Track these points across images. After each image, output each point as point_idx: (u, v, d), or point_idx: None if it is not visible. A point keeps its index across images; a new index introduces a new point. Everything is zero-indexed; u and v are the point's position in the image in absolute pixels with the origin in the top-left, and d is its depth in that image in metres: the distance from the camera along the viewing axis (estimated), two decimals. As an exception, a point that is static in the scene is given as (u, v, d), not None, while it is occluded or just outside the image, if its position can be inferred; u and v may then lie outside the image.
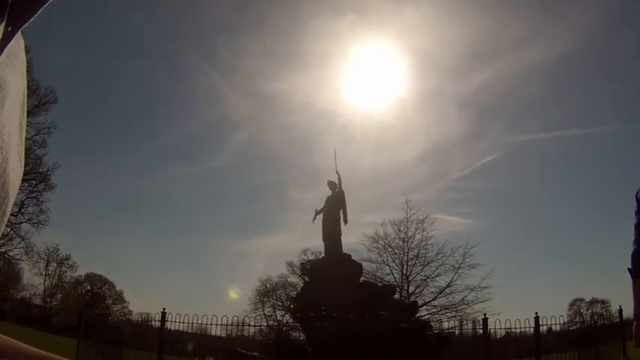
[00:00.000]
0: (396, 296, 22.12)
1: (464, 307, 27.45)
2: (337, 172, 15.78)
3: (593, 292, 47.18)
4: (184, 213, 63.41)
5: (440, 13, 62.33)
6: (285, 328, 25.91)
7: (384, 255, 28.94)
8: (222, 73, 65.94)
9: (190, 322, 14.65)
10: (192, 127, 62.84)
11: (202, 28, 66.40)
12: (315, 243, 28.40)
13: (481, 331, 14.22)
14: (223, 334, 15.84)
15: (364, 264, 21.49)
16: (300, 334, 17.41)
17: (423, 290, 28.76)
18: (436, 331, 16.26)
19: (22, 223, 33.42)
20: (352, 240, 31.68)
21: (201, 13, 61.95)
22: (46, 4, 0.45)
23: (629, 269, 2.75)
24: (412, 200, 33.16)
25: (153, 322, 15.66)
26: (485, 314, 14.47)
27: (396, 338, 12.14)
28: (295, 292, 20.95)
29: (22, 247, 34.90)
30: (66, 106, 53.54)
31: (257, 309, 36.56)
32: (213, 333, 15.29)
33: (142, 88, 67.08)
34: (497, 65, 55.85)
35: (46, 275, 48.15)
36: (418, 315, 22.31)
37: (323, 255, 16.12)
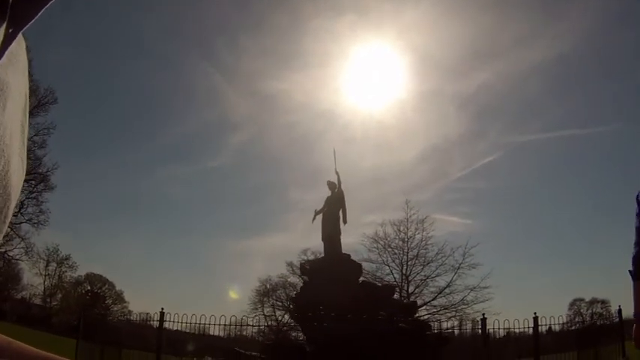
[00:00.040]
0: (396, 296, 22.15)
1: (463, 307, 27.51)
2: (336, 173, 15.79)
3: (593, 292, 47.22)
4: (184, 213, 63.41)
5: (440, 12, 62.29)
6: (284, 328, 25.93)
7: (384, 255, 29.01)
8: (222, 73, 65.91)
9: (189, 322, 14.66)
10: (192, 127, 62.84)
11: (202, 28, 66.40)
12: (315, 243, 28.35)
13: (480, 331, 14.23)
14: (223, 335, 15.84)
15: (364, 264, 21.53)
16: (300, 334, 17.41)
17: (422, 290, 28.83)
18: (435, 331, 16.27)
19: (21, 223, 33.47)
20: (352, 240, 31.70)
21: (201, 13, 61.94)
22: (47, 6, 0.45)
23: (630, 272, 2.77)
24: (412, 200, 33.14)
25: (152, 322, 15.68)
26: (483, 314, 14.47)
27: (395, 338, 12.15)
28: (295, 293, 20.96)
29: (22, 248, 34.94)
30: (66, 106, 53.52)
31: (257, 309, 36.58)
32: (213, 333, 15.30)
33: (142, 88, 67.05)
34: (497, 65, 55.88)
35: (46, 275, 48.16)
36: (418, 315, 22.32)
37: (323, 255, 16.13)
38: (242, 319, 20.24)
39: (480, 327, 14.41)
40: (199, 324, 14.88)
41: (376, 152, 58.34)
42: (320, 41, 56.37)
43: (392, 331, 12.47)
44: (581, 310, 47.32)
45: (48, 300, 49.19)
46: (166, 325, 14.55)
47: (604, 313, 35.79)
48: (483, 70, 58.42)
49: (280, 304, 36.32)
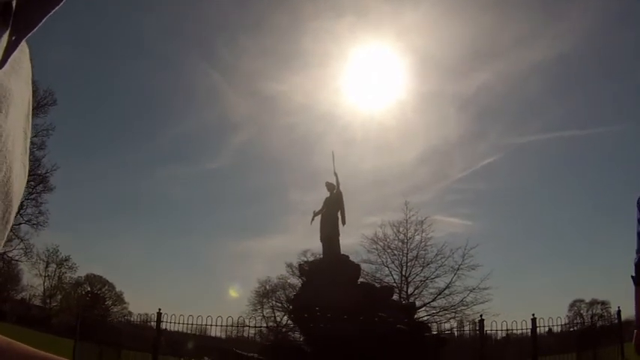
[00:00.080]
0: (395, 297, 22.14)
1: (463, 308, 27.45)
2: (335, 174, 15.78)
3: (593, 292, 47.27)
4: (184, 213, 63.46)
5: (440, 13, 62.46)
6: (284, 329, 25.91)
7: (384, 256, 28.96)
8: (222, 73, 66.08)
9: (187, 322, 14.65)
10: (192, 127, 62.95)
11: (202, 28, 66.62)
12: (314, 244, 28.25)
13: (478, 332, 14.22)
14: (223, 335, 15.84)
15: (364, 265, 21.54)
16: (299, 335, 17.40)
17: (422, 291, 28.78)
18: (435, 333, 16.26)
19: (21, 224, 33.46)
20: (352, 241, 31.64)
21: (201, 13, 62.12)
22: (51, 13, 0.45)
23: (632, 277, 2.77)
24: (412, 202, 33.23)
25: (150, 323, 15.66)
26: (481, 315, 14.48)
27: (394, 339, 12.13)
28: (294, 294, 20.94)
29: (22, 249, 34.98)
30: (66, 106, 53.61)
31: (256, 310, 36.56)
32: (212, 334, 15.29)
33: (142, 88, 67.17)
34: (497, 65, 55.97)
35: (45, 276, 48.12)
36: (417, 316, 22.30)
37: (321, 256, 16.12)
38: (240, 319, 20.28)
39: (477, 328, 14.42)
40: (198, 325, 14.89)
41: (376, 153, 58.32)
42: (320, 42, 56.68)
43: (391, 332, 12.45)
44: (582, 312, 47.33)
45: (48, 301, 49.14)
46: (165, 326, 14.54)
47: (604, 314, 35.81)
48: (483, 71, 58.61)
49: (280, 305, 36.29)
